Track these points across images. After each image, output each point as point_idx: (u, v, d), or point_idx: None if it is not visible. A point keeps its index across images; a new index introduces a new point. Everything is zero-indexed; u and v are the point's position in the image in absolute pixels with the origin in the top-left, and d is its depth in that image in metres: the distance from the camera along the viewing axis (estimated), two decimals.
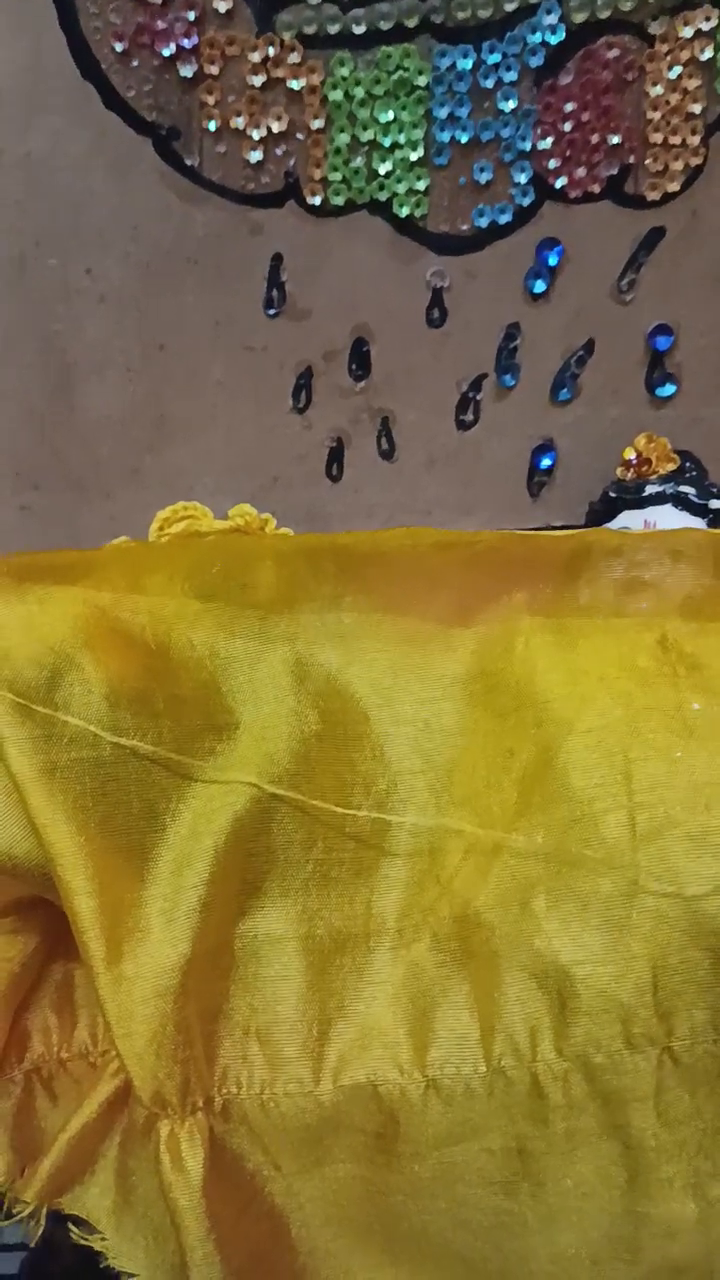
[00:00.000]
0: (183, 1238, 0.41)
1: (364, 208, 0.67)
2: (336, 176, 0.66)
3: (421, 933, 0.45)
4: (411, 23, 0.63)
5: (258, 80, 0.64)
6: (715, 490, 0.70)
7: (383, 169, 0.66)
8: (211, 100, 0.65)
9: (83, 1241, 0.44)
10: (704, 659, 0.46)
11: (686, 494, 0.68)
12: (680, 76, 0.65)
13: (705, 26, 0.64)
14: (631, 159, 0.67)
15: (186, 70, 0.64)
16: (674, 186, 0.68)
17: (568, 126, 0.65)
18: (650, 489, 0.69)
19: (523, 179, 0.66)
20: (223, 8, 0.63)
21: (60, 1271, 0.51)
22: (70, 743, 0.43)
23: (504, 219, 0.67)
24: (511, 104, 0.65)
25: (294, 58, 0.64)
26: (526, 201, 0.67)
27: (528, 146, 0.66)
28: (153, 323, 0.70)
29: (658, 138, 0.66)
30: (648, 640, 0.47)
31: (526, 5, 0.63)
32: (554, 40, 0.64)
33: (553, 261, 0.68)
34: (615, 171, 0.67)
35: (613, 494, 0.70)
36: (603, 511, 0.71)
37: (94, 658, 0.44)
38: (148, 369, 0.71)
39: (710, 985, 0.42)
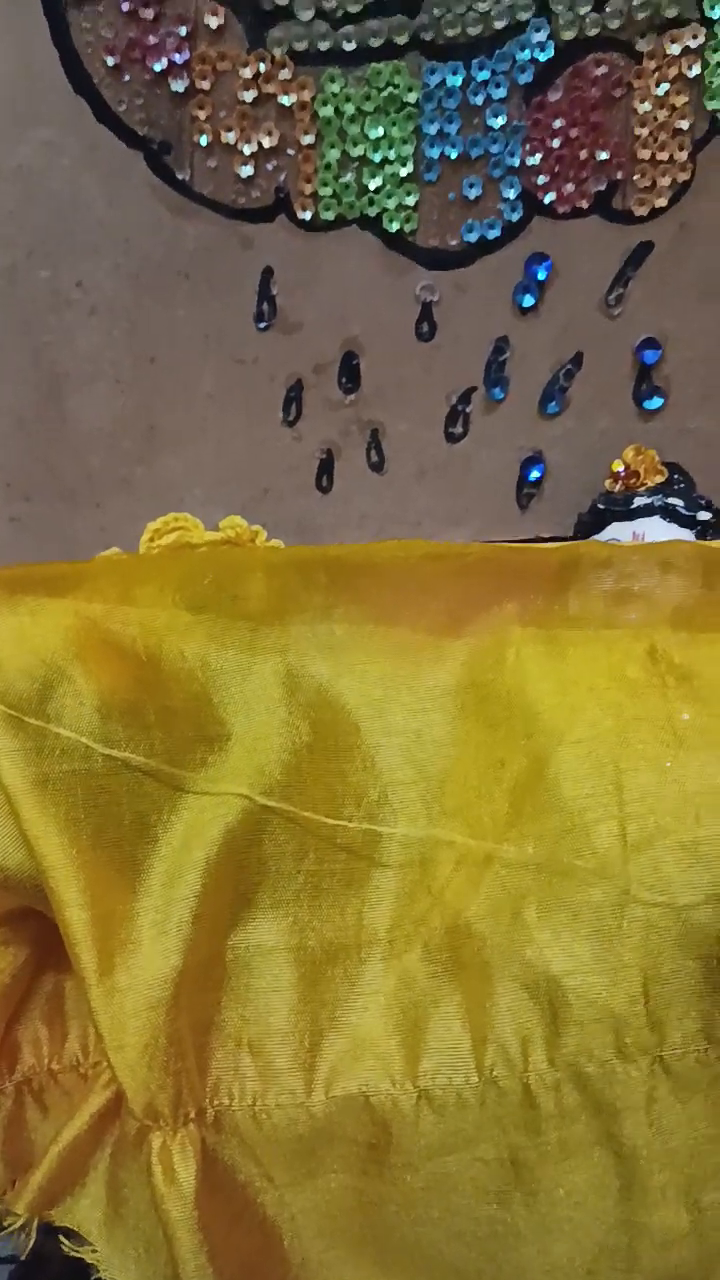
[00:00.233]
0: (175, 1250, 0.40)
1: (354, 222, 0.67)
2: (327, 191, 0.66)
3: (413, 943, 0.45)
4: (401, 40, 0.64)
5: (249, 96, 0.64)
6: (703, 502, 0.70)
7: (373, 184, 0.66)
8: (203, 115, 0.65)
9: (74, 1254, 0.43)
10: (693, 669, 0.47)
11: (675, 506, 0.69)
12: (668, 93, 0.66)
13: (693, 44, 0.65)
14: (619, 175, 0.67)
15: (178, 85, 0.64)
16: (662, 202, 0.68)
17: (556, 143, 0.66)
18: (639, 501, 0.70)
19: (512, 194, 0.67)
20: (214, 24, 0.63)
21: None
22: (62, 755, 0.43)
23: (493, 234, 0.68)
24: (500, 120, 0.65)
25: (285, 74, 0.64)
26: (515, 217, 0.68)
27: (516, 162, 0.66)
28: (143, 335, 0.70)
29: (645, 153, 0.67)
30: (637, 651, 0.47)
31: (516, 23, 0.64)
32: (543, 57, 0.64)
33: (541, 276, 0.69)
34: (603, 187, 0.67)
35: (601, 506, 0.71)
36: (591, 523, 0.71)
37: (85, 670, 0.44)
38: (138, 381, 0.71)
39: (702, 994, 0.42)
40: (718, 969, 0.42)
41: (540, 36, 0.64)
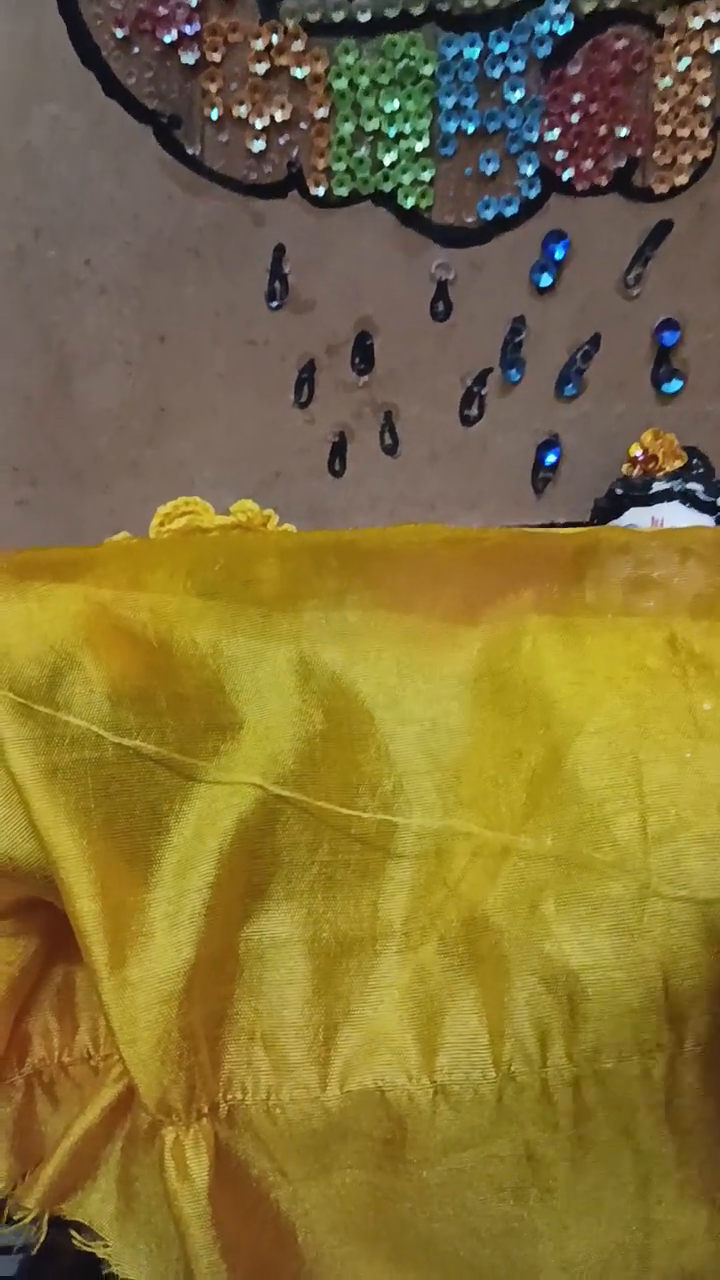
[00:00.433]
0: (187, 1245, 0.40)
1: (368, 199, 0.66)
2: (340, 167, 0.65)
3: (428, 936, 0.44)
4: (417, 10, 0.62)
5: (261, 68, 0.63)
6: None
7: (387, 159, 0.65)
8: (214, 88, 0.64)
9: (85, 1248, 0.43)
10: (714, 659, 0.46)
11: (694, 491, 0.68)
12: (689, 68, 0.64)
13: (715, 18, 0.63)
14: (639, 151, 0.66)
15: (188, 57, 0.63)
16: (682, 179, 0.67)
17: (575, 118, 0.65)
18: (657, 486, 0.69)
19: (529, 171, 0.66)
20: None
21: (58, 1274, 0.50)
22: (72, 743, 0.42)
23: (510, 211, 0.67)
24: (518, 94, 0.64)
25: (298, 45, 0.63)
26: (533, 194, 0.66)
27: (535, 138, 0.65)
28: (153, 314, 0.69)
29: (666, 130, 0.66)
30: (656, 640, 0.47)
31: None
32: (562, 30, 0.63)
33: (559, 255, 0.68)
34: (623, 164, 0.66)
35: (619, 491, 0.70)
36: (609, 508, 0.70)
37: (95, 656, 0.43)
38: (148, 361, 0.70)
39: None
40: None
41: (559, 9, 0.63)
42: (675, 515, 0.68)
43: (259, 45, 0.63)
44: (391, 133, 0.64)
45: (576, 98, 0.64)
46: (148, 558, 0.49)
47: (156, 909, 0.42)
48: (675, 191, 0.67)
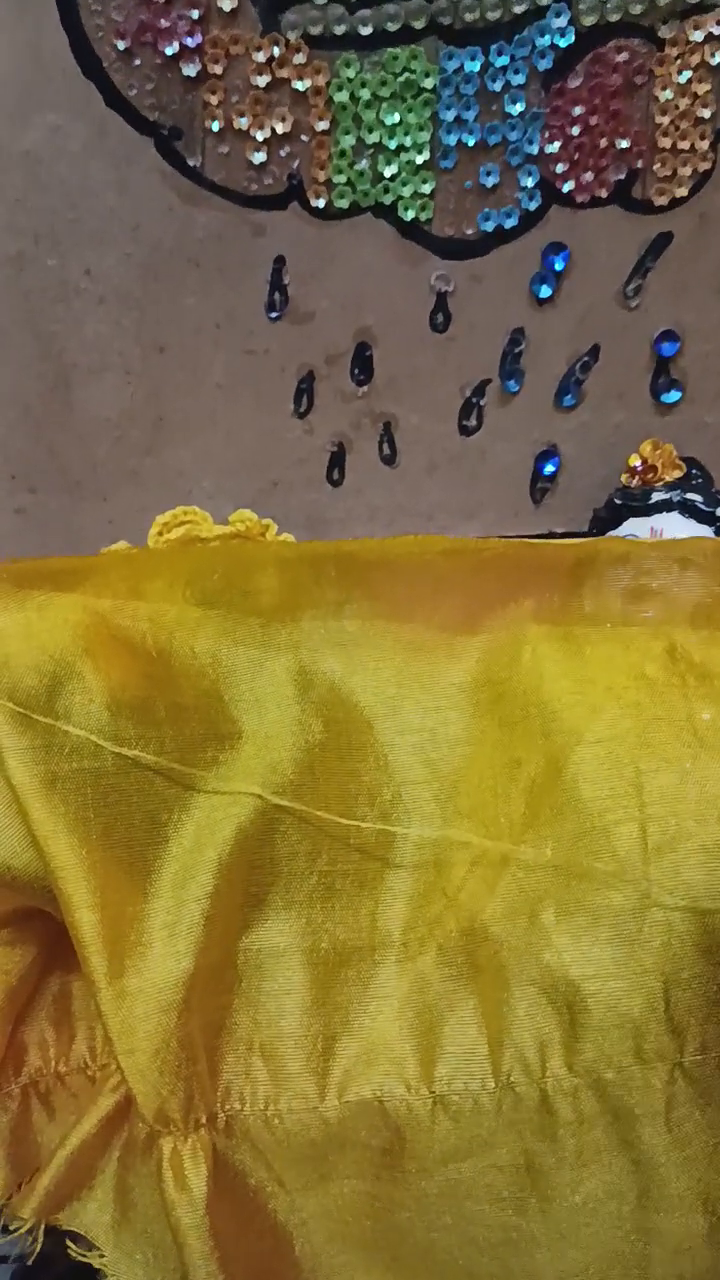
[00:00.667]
0: (185, 1256, 0.40)
1: (368, 210, 0.66)
2: (341, 179, 0.65)
3: (427, 946, 0.44)
4: (419, 24, 0.62)
5: (262, 80, 0.63)
6: None
7: (388, 171, 0.65)
8: (214, 100, 0.64)
9: (80, 1258, 0.43)
10: (714, 668, 0.46)
11: (693, 501, 0.68)
12: (690, 81, 0.64)
13: (716, 31, 0.63)
14: (640, 164, 0.66)
15: (189, 69, 0.63)
16: (682, 192, 0.67)
17: (576, 130, 0.65)
18: (656, 496, 0.69)
19: (529, 183, 0.66)
20: (227, 6, 0.62)
21: None
22: (71, 753, 0.42)
23: (510, 223, 0.67)
24: (519, 107, 0.64)
25: (299, 58, 0.63)
26: (533, 205, 0.67)
27: (535, 150, 0.65)
28: (153, 324, 0.69)
29: (666, 142, 0.66)
30: (656, 649, 0.47)
31: (535, 7, 0.62)
32: (563, 43, 0.63)
33: (559, 266, 0.68)
34: (623, 176, 0.66)
35: (618, 501, 0.70)
36: (608, 519, 0.70)
37: (95, 666, 0.43)
38: (147, 371, 0.70)
39: None
40: None
41: (561, 22, 0.63)
42: (674, 525, 0.68)
43: (260, 58, 0.63)
44: (392, 145, 0.64)
45: (577, 110, 0.65)
46: (147, 567, 0.49)
47: (155, 919, 0.42)
48: (675, 203, 0.67)
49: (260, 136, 0.64)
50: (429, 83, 0.63)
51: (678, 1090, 0.42)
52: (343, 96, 0.63)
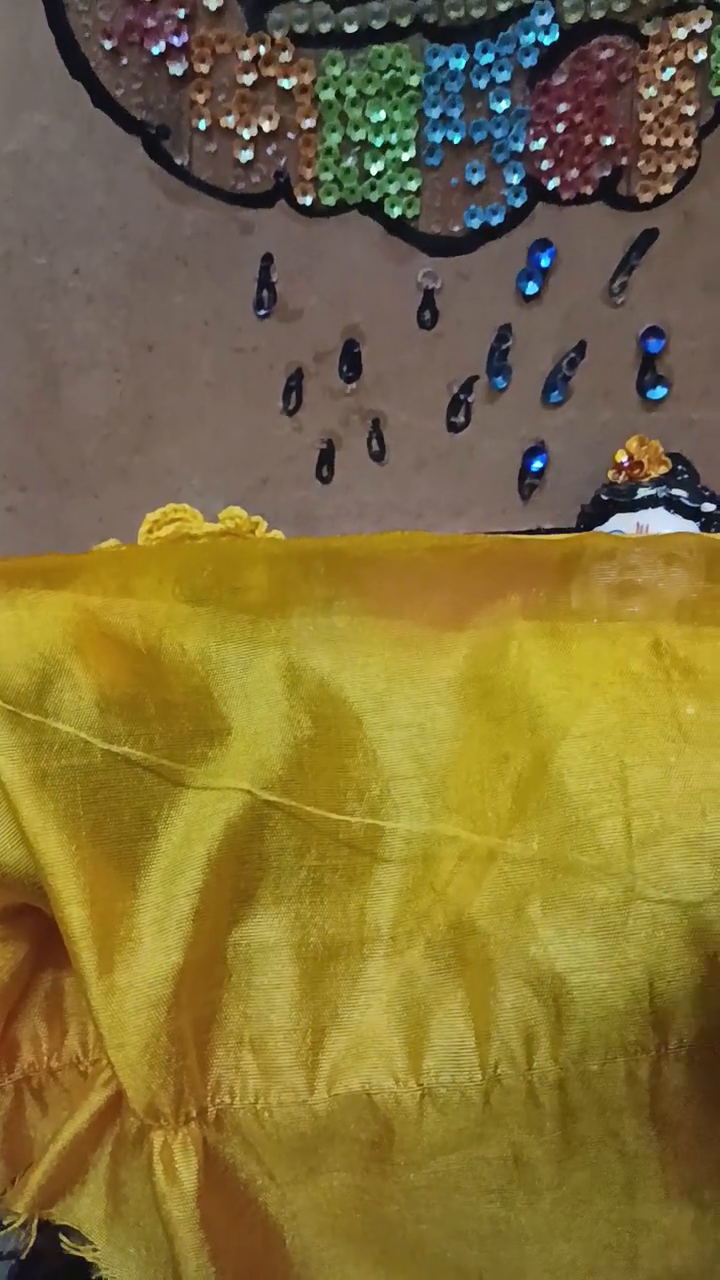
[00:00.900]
0: (176, 1249, 0.40)
1: (355, 208, 0.67)
2: (328, 176, 0.65)
3: (415, 940, 0.44)
4: (404, 22, 0.63)
5: (248, 79, 0.64)
6: (707, 493, 0.70)
7: (374, 169, 0.65)
8: (201, 99, 0.64)
9: (74, 1252, 0.43)
10: (698, 663, 0.46)
11: (679, 497, 0.68)
12: (674, 78, 0.65)
13: (699, 28, 0.64)
14: (624, 161, 0.66)
15: (176, 68, 0.63)
16: (667, 189, 0.67)
17: (560, 127, 0.65)
18: (642, 492, 0.69)
19: (515, 180, 0.66)
20: (213, 5, 0.62)
21: (47, 1277, 0.50)
22: (61, 750, 0.42)
23: (496, 220, 0.67)
24: (504, 104, 0.64)
25: (285, 56, 0.63)
26: (519, 203, 0.67)
27: (520, 147, 0.65)
28: (141, 322, 0.69)
29: (651, 139, 0.66)
30: (641, 645, 0.47)
31: (520, 5, 0.63)
32: (547, 40, 0.63)
33: (545, 263, 0.68)
34: (608, 173, 0.67)
35: (605, 497, 0.70)
36: (595, 514, 0.71)
37: (84, 663, 0.43)
38: (136, 369, 0.70)
39: (707, 992, 0.42)
40: None
41: (545, 19, 0.63)
42: (660, 521, 0.68)
43: (246, 56, 0.63)
44: (378, 143, 0.65)
45: (562, 107, 0.65)
46: (136, 564, 0.49)
47: (145, 914, 0.42)
48: (660, 200, 0.68)
49: (247, 134, 0.64)
50: (414, 80, 0.63)
51: (663, 1082, 0.42)
52: (329, 94, 0.63)
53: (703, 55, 0.65)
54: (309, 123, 0.64)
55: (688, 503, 0.69)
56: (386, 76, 0.63)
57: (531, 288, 0.69)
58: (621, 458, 0.71)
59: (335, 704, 0.46)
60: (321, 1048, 0.43)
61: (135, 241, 0.67)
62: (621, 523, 0.70)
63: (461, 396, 0.71)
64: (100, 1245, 0.43)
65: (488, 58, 0.63)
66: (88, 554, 0.54)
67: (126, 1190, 0.43)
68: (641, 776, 0.43)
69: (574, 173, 0.66)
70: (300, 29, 0.63)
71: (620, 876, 0.42)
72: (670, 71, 0.65)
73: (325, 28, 0.63)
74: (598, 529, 0.70)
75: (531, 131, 0.65)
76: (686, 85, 0.65)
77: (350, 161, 0.65)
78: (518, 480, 0.73)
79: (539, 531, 0.73)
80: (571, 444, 0.73)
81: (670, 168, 0.67)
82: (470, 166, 0.66)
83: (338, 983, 0.44)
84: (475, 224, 0.67)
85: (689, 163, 0.67)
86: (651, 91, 0.65)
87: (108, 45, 0.63)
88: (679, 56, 0.65)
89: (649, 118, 0.66)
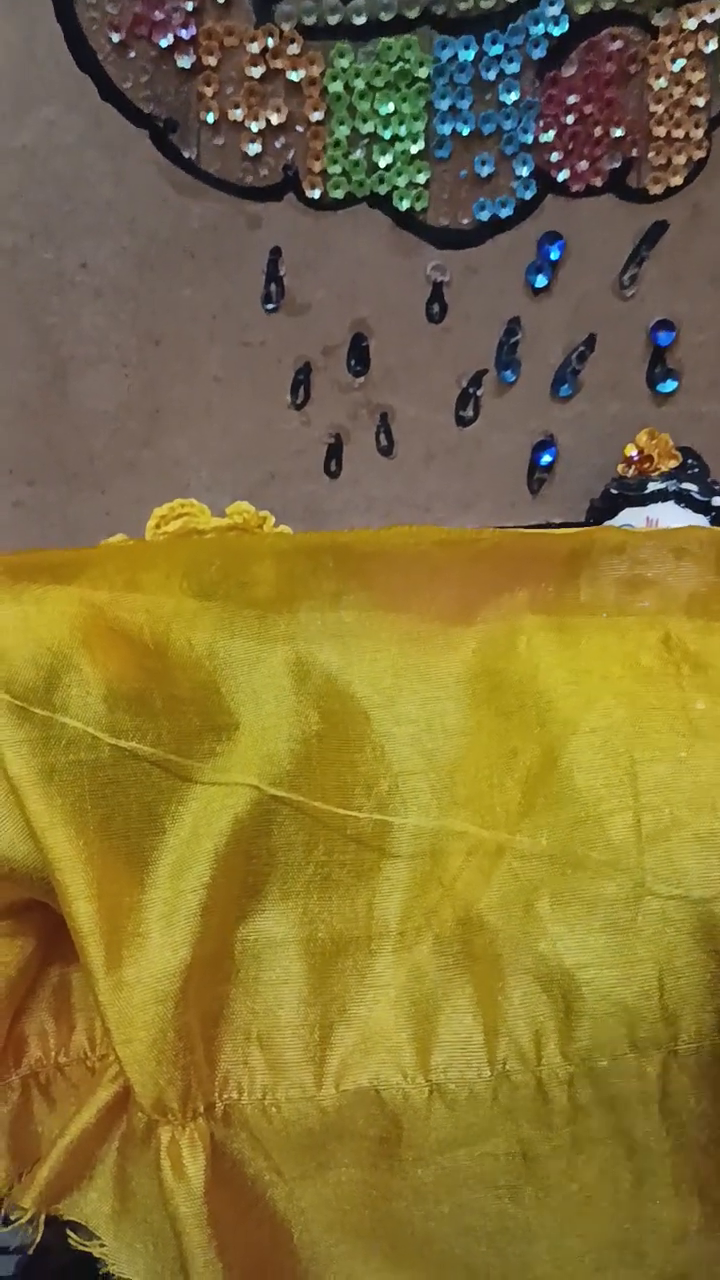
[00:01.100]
0: (183, 1244, 0.40)
1: (364, 201, 0.67)
2: (336, 169, 0.65)
3: (424, 935, 0.44)
4: (412, 13, 0.62)
5: (256, 72, 0.63)
6: (717, 487, 0.69)
7: (383, 162, 0.65)
8: (209, 92, 0.64)
9: (81, 1247, 0.43)
10: (708, 658, 0.46)
11: (689, 491, 0.68)
12: (684, 69, 0.64)
13: (709, 19, 0.63)
14: (634, 152, 0.66)
15: (184, 61, 0.63)
16: (677, 180, 0.67)
17: (570, 119, 0.65)
18: (652, 486, 0.69)
19: (524, 172, 0.66)
20: None
21: (54, 1274, 0.50)
22: (68, 745, 0.42)
23: (505, 213, 0.67)
24: (513, 96, 0.64)
25: (293, 49, 0.63)
26: (528, 195, 0.67)
27: (529, 139, 0.65)
28: (149, 316, 0.69)
29: (661, 131, 0.66)
30: (651, 639, 0.47)
31: None
32: (556, 32, 0.63)
33: (554, 256, 0.68)
34: (618, 165, 0.66)
35: (614, 491, 0.70)
36: (604, 509, 0.70)
37: (92, 658, 0.43)
38: (144, 363, 0.70)
39: (716, 988, 0.42)
40: None
41: (554, 10, 0.63)
42: (670, 515, 0.68)
43: (254, 49, 0.63)
44: (387, 135, 0.64)
45: (571, 99, 0.65)
46: (144, 559, 0.49)
47: (152, 909, 0.42)
48: (670, 192, 0.67)
49: (255, 128, 0.64)
50: (423, 72, 0.63)
51: (672, 1078, 0.42)
52: (337, 87, 0.63)
53: (713, 46, 0.64)
54: (317, 115, 0.64)
55: (698, 497, 0.68)
56: (395, 69, 0.63)
57: (541, 280, 0.68)
58: (631, 451, 0.70)
59: (343, 699, 0.46)
60: (329, 1043, 0.43)
61: (143, 235, 0.67)
62: (631, 517, 0.69)
63: (470, 390, 0.71)
64: (108, 1241, 0.43)
65: (497, 49, 0.63)
66: (95, 549, 0.54)
67: (134, 1186, 0.43)
68: (651, 772, 0.43)
69: (583, 165, 0.66)
70: (308, 21, 0.62)
71: (630, 872, 0.42)
72: (680, 63, 0.64)
73: (333, 20, 0.62)
74: (607, 523, 0.70)
75: (541, 123, 0.65)
76: (697, 76, 0.65)
77: (359, 154, 0.65)
78: (527, 474, 0.73)
79: (548, 526, 0.73)
80: (581, 437, 0.72)
81: (680, 159, 0.66)
82: (479, 159, 0.66)
83: (346, 978, 0.44)
84: (484, 216, 0.67)
85: (699, 154, 0.67)
86: (662, 83, 0.65)
87: (115, 38, 0.63)
88: (689, 47, 0.64)
89: (659, 109, 0.65)
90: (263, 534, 0.59)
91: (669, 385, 0.71)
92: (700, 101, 0.65)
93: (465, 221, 0.67)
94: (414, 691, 0.47)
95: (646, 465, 0.70)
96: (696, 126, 0.66)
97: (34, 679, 0.42)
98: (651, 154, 0.66)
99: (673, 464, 0.70)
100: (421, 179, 0.66)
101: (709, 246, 0.69)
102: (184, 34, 0.63)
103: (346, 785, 0.45)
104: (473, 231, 0.67)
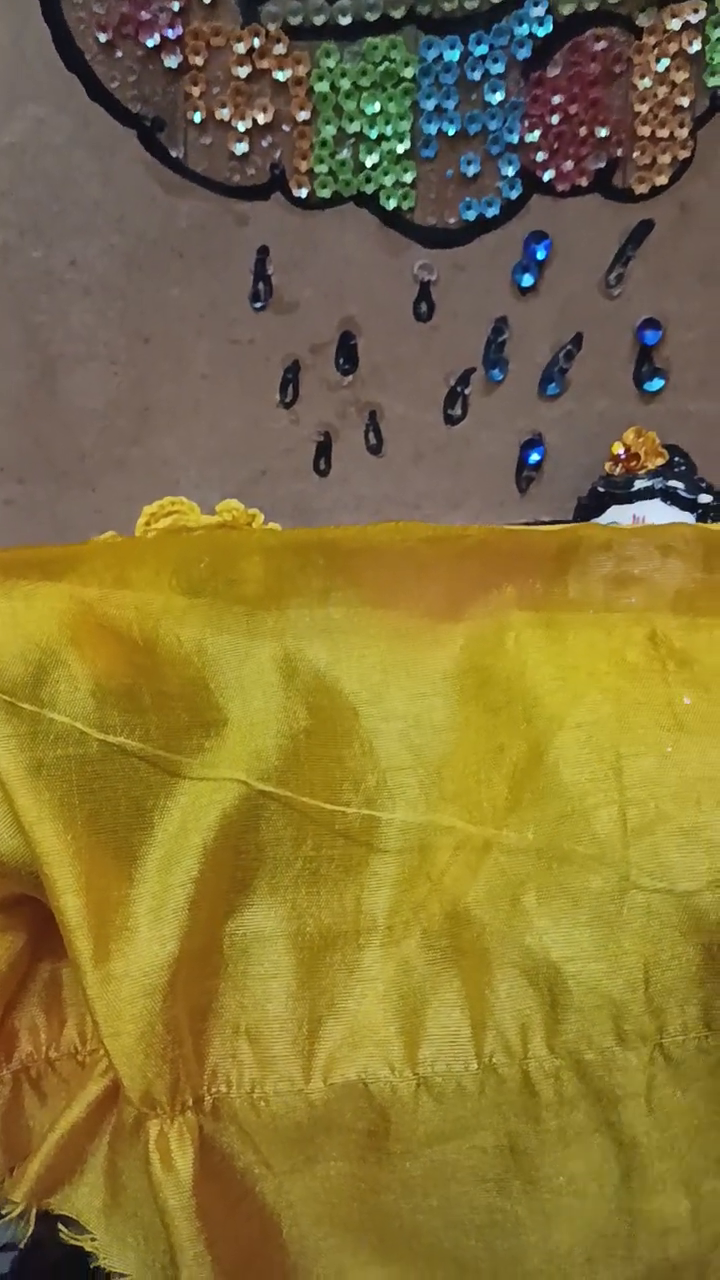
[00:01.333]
0: (172, 1237, 0.40)
1: (350, 200, 0.67)
2: (323, 168, 0.65)
3: (412, 930, 0.44)
4: (398, 14, 0.63)
5: (243, 71, 0.63)
6: (704, 485, 0.70)
7: (369, 161, 0.65)
8: (196, 91, 0.64)
9: (72, 1241, 0.43)
10: (694, 654, 0.46)
11: (675, 489, 0.68)
12: (668, 69, 0.65)
13: (693, 19, 0.64)
14: (619, 152, 0.66)
15: (171, 61, 0.63)
16: (662, 180, 0.67)
17: (555, 119, 0.65)
18: (639, 484, 0.69)
19: (510, 172, 0.66)
20: None
21: (48, 1267, 0.50)
22: (56, 740, 0.42)
23: (491, 212, 0.67)
24: (499, 96, 0.64)
25: (279, 49, 0.63)
26: (514, 194, 0.67)
27: (515, 139, 0.65)
28: (137, 315, 0.69)
29: (646, 131, 0.66)
30: (638, 635, 0.47)
31: None
32: (541, 32, 0.63)
33: (541, 255, 0.68)
34: (603, 164, 0.67)
35: (601, 489, 0.70)
36: (591, 506, 0.71)
37: (80, 654, 0.43)
38: (132, 361, 0.70)
39: (702, 981, 0.42)
40: (718, 955, 0.42)
41: (539, 11, 0.63)
42: (656, 513, 0.68)
43: (241, 49, 0.63)
44: (373, 135, 0.65)
45: (556, 99, 0.65)
46: (133, 556, 0.49)
47: (140, 904, 0.42)
48: (655, 191, 0.68)
49: (242, 127, 0.64)
50: (409, 72, 0.63)
51: (658, 1071, 0.42)
52: (323, 86, 0.63)
53: (697, 46, 0.65)
54: (304, 115, 0.64)
55: (684, 494, 0.68)
56: (381, 68, 0.63)
57: (527, 280, 0.68)
58: (618, 449, 0.70)
59: (331, 695, 0.46)
60: (318, 1037, 0.43)
61: (131, 234, 0.67)
62: (618, 514, 0.70)
63: (458, 389, 0.71)
64: (99, 1235, 0.43)
65: (482, 49, 0.63)
66: (84, 545, 0.54)
67: (124, 1180, 0.43)
68: (637, 766, 0.43)
69: (569, 164, 0.66)
70: (294, 21, 0.63)
71: (615, 866, 0.42)
72: (665, 62, 0.65)
73: (319, 20, 0.63)
74: (594, 520, 0.70)
75: (526, 123, 0.65)
76: (681, 76, 0.65)
77: (345, 153, 0.65)
78: (515, 472, 0.73)
79: (536, 523, 0.73)
80: (568, 436, 0.73)
81: (666, 159, 0.67)
82: (465, 158, 0.66)
83: (334, 973, 0.44)
84: (471, 216, 0.67)
85: (684, 154, 0.67)
86: (646, 83, 0.65)
87: (102, 38, 0.63)
88: (673, 47, 0.64)
89: (644, 109, 0.65)
90: (251, 531, 0.60)
91: (656, 384, 0.71)
92: (685, 101, 0.66)
93: (452, 221, 0.67)
94: (402, 687, 0.47)
95: (633, 463, 0.70)
96: (681, 126, 0.66)
97: (22, 674, 0.42)
98: (636, 154, 0.67)
99: (659, 462, 0.70)
100: (408, 178, 0.66)
101: (695, 245, 0.69)
102: (170, 34, 0.63)
103: (334, 781, 0.45)
104: (459, 231, 0.68)
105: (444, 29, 0.63)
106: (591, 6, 0.64)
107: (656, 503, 0.69)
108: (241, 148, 0.65)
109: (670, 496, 0.69)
